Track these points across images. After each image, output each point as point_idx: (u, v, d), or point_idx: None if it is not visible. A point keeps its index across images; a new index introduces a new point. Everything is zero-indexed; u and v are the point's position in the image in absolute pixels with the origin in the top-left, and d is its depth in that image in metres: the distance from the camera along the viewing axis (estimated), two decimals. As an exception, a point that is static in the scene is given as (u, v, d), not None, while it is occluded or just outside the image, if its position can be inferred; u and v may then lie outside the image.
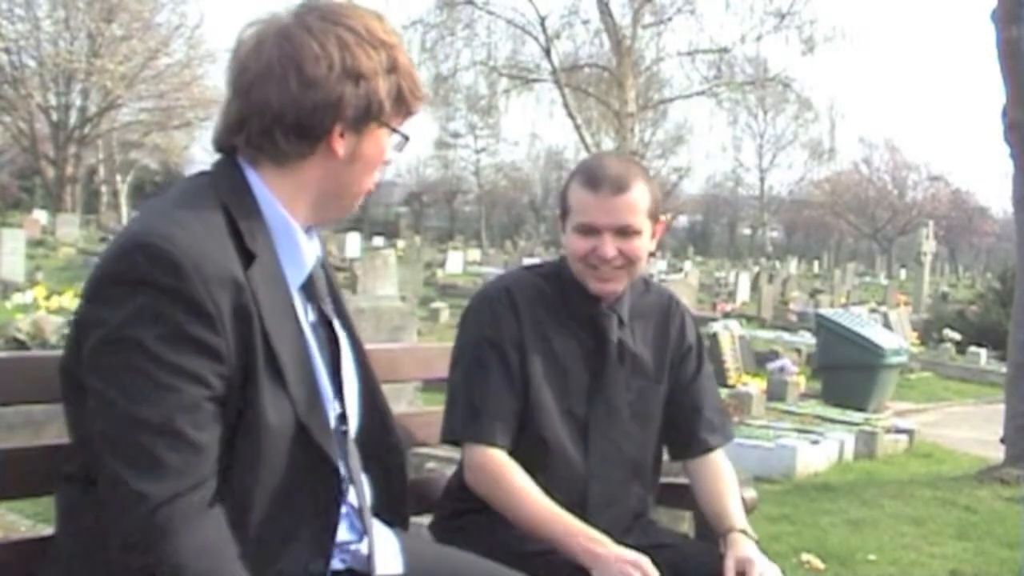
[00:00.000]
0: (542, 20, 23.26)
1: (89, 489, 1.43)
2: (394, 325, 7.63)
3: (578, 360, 2.17)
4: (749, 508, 2.28)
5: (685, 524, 2.95)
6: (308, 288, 1.61)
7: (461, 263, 31.72)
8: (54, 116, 39.28)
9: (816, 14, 28.37)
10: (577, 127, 23.33)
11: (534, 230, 57.09)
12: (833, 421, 8.82)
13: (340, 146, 1.54)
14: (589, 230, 2.10)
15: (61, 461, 1.48)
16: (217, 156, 1.60)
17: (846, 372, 10.24)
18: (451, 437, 2.14)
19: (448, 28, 24.21)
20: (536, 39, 23.66)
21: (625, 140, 22.69)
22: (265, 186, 1.54)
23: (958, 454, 8.67)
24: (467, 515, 2.13)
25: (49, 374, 1.51)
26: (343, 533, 1.62)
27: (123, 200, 41.32)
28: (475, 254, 38.28)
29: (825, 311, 13.19)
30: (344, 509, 1.61)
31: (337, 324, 1.66)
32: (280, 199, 1.55)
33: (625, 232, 2.10)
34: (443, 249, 37.89)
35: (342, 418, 1.62)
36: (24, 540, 1.74)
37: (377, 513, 1.69)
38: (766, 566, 2.00)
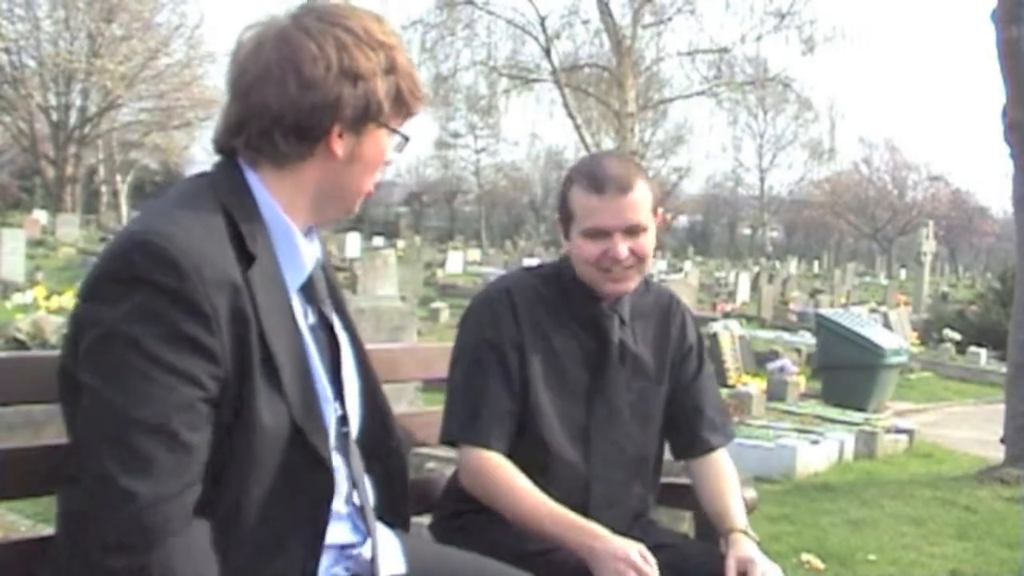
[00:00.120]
0: (542, 20, 23.29)
1: None
2: (394, 325, 7.63)
3: (579, 361, 2.17)
4: (749, 508, 2.28)
5: (685, 524, 2.95)
6: (308, 290, 1.62)
7: (461, 263, 31.72)
8: (54, 116, 39.28)
9: (816, 14, 28.48)
10: (577, 127, 23.34)
11: (534, 230, 57.09)
12: (833, 421, 8.82)
13: (339, 147, 1.55)
14: (598, 233, 2.10)
15: (62, 462, 1.48)
16: (217, 157, 1.60)
17: (846, 372, 10.24)
18: (448, 439, 2.14)
19: (448, 28, 24.22)
20: (536, 39, 23.68)
21: (625, 140, 22.70)
22: (265, 188, 1.55)
23: (958, 454, 8.67)
24: (467, 515, 2.13)
25: (49, 374, 1.51)
26: (347, 535, 1.62)
27: (123, 200, 41.33)
28: (475, 254, 38.28)
29: (825, 311, 13.19)
30: (347, 510, 1.61)
31: (338, 326, 1.66)
32: (280, 201, 1.55)
33: (634, 231, 2.10)
34: (443, 249, 37.89)
35: (343, 420, 1.62)
36: (24, 540, 1.74)
37: (378, 514, 1.68)
38: (767, 566, 2.00)
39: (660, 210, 2.21)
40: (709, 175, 68.42)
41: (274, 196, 1.55)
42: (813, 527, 5.72)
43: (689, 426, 2.26)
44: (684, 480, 2.32)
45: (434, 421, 2.19)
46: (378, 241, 39.51)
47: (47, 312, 10.90)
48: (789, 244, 69.65)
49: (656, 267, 30.77)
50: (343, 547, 1.61)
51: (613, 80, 23.68)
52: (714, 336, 11.37)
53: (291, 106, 1.50)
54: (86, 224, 33.55)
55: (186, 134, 40.20)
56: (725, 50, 24.44)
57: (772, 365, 11.23)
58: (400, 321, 7.79)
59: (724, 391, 8.38)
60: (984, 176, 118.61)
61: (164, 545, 1.35)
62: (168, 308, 1.37)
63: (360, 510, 1.63)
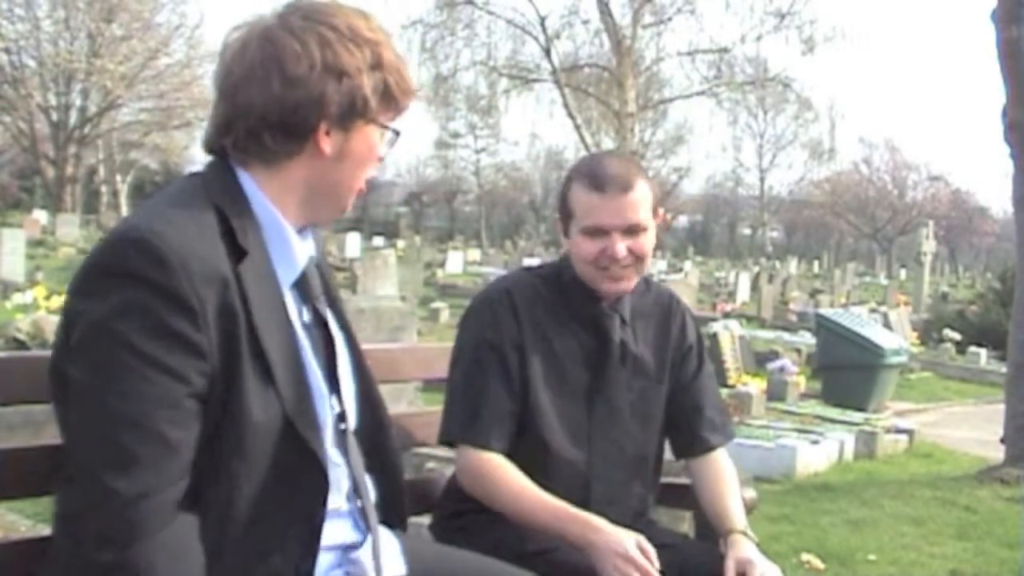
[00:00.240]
0: (542, 20, 23.31)
1: None
2: (394, 325, 7.62)
3: (579, 361, 2.17)
4: (749, 508, 2.28)
5: (685, 524, 2.95)
6: (302, 287, 1.62)
7: (461, 263, 31.72)
8: (54, 116, 39.26)
9: (816, 14, 28.51)
10: (577, 127, 23.34)
11: (534, 230, 57.09)
12: (833, 421, 8.81)
13: (327, 144, 1.55)
14: (597, 232, 2.10)
15: (61, 463, 1.47)
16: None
17: (846, 372, 10.23)
18: (447, 439, 2.14)
19: (448, 28, 24.24)
20: (536, 39, 23.69)
21: (625, 140, 22.70)
22: (256, 186, 1.55)
23: (958, 454, 8.67)
24: (467, 515, 2.13)
25: (49, 374, 1.51)
26: (348, 534, 1.61)
27: (123, 200, 41.34)
28: (475, 254, 38.28)
29: (825, 311, 13.19)
30: (348, 507, 1.61)
31: (334, 325, 1.66)
32: (271, 198, 1.56)
33: (633, 231, 2.10)
34: (443, 249, 37.89)
35: (341, 416, 1.62)
36: (24, 540, 1.74)
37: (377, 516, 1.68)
38: (766, 567, 2.00)
39: (661, 210, 2.21)
40: (709, 175, 68.55)
41: (265, 193, 1.55)
42: (813, 527, 5.72)
43: (689, 425, 2.26)
44: (684, 480, 2.32)
45: (434, 421, 2.19)
46: (378, 241, 39.52)
47: (47, 312, 10.89)
48: (789, 244, 69.66)
49: (656, 267, 30.77)
50: (345, 548, 1.61)
51: (613, 80, 23.69)
52: (714, 336, 11.36)
53: (276, 104, 1.51)
54: (86, 224, 33.52)
55: (186, 134, 40.16)
56: (725, 50, 24.45)
57: (772, 365, 11.22)
58: (400, 321, 7.78)
59: (724, 391, 8.38)
60: (984, 176, 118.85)
61: (147, 541, 1.35)
62: (155, 303, 1.38)
63: (361, 508, 1.63)
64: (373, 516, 1.64)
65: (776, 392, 9.93)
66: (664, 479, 2.34)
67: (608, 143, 25.35)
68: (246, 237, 1.50)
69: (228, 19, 1.61)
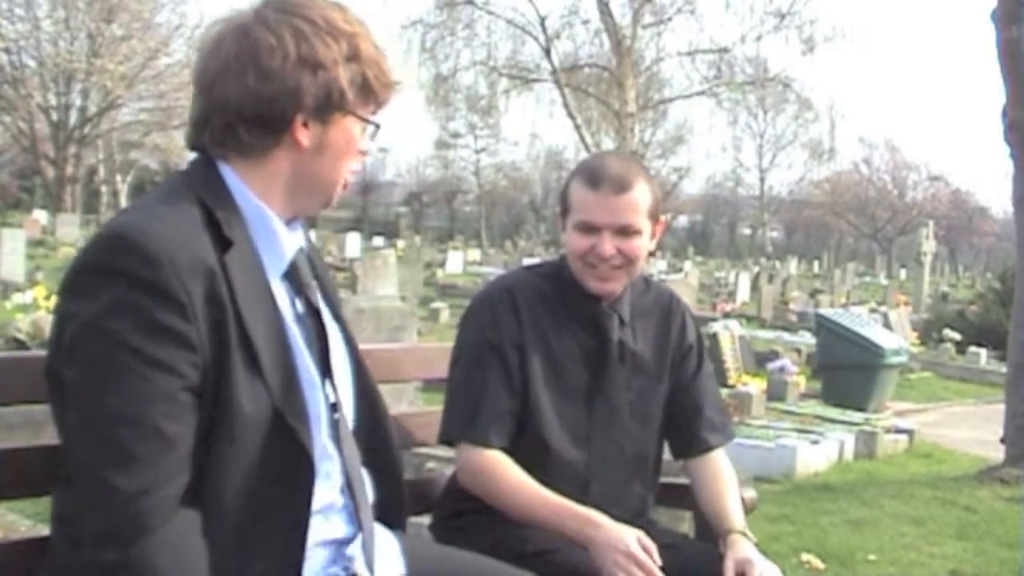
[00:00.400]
0: (542, 20, 23.33)
1: None
2: (394, 325, 7.62)
3: (578, 360, 2.17)
4: (749, 508, 2.28)
5: (685, 524, 2.95)
6: (293, 278, 1.62)
7: (461, 263, 31.71)
8: (54, 116, 39.26)
9: (816, 14, 28.52)
10: (577, 127, 23.35)
11: (534, 230, 57.08)
12: (833, 421, 8.81)
13: (304, 136, 1.55)
14: (589, 228, 2.10)
15: (57, 463, 1.48)
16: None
17: (846, 372, 10.23)
18: (447, 438, 2.14)
19: (448, 28, 24.26)
20: (536, 39, 23.72)
21: (625, 140, 22.70)
22: (239, 179, 1.56)
23: (958, 454, 8.67)
24: (467, 515, 2.13)
25: (49, 374, 1.51)
26: (341, 528, 1.61)
27: (123, 200, 41.29)
28: (475, 254, 38.29)
29: (825, 311, 13.18)
30: (343, 501, 1.61)
31: (327, 316, 1.66)
32: (255, 191, 1.56)
33: (625, 232, 2.10)
34: (443, 249, 37.89)
35: (335, 407, 1.61)
36: (24, 540, 1.73)
37: (375, 513, 1.68)
38: (766, 566, 2.00)
39: (663, 217, 2.20)
40: (709, 175, 68.57)
41: (249, 186, 1.56)
42: (813, 527, 5.72)
43: (688, 425, 2.26)
44: (683, 480, 2.31)
45: (434, 421, 2.19)
46: (378, 241, 39.53)
47: (47, 312, 10.86)
48: (789, 244, 69.65)
49: (656, 267, 30.77)
50: (340, 543, 1.61)
51: (613, 80, 23.70)
52: (714, 336, 11.35)
53: (251, 98, 1.51)
54: (86, 224, 33.51)
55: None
56: (725, 50, 24.47)
57: (772, 365, 11.21)
58: (400, 321, 7.78)
59: (724, 391, 8.38)
60: (984, 176, 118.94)
61: (149, 537, 1.35)
62: (145, 300, 1.38)
63: (355, 503, 1.63)
64: (366, 510, 1.63)
65: (776, 392, 9.92)
66: (664, 479, 2.34)
67: (608, 143, 25.36)
68: (231, 228, 1.50)
69: (220, 16, 1.62)
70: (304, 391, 1.53)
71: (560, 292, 2.19)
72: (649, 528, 2.21)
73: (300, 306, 1.61)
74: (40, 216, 33.57)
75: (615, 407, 2.18)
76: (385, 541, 1.69)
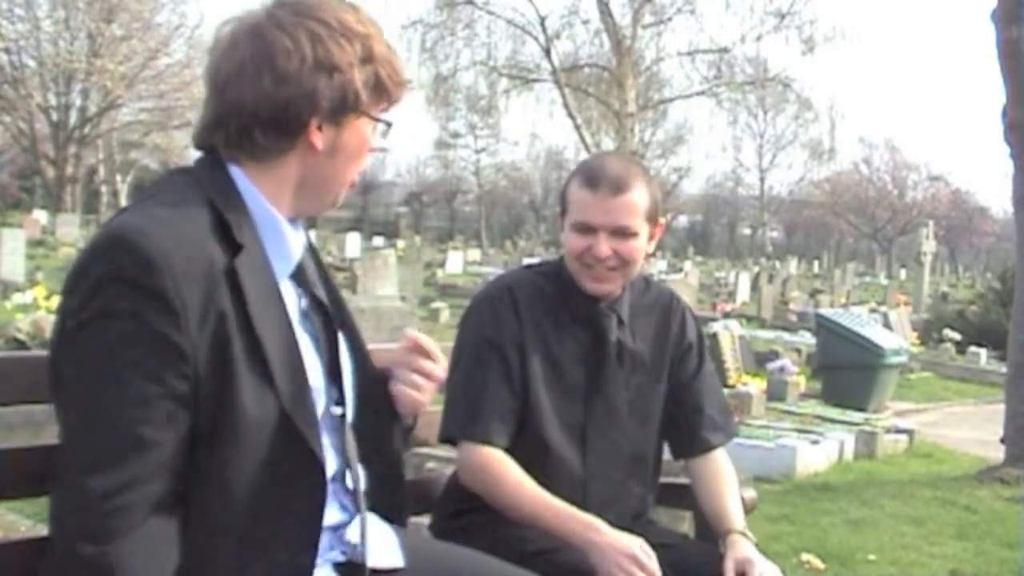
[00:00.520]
0: (542, 20, 23.32)
1: None
2: (394, 325, 7.64)
3: (577, 360, 2.17)
4: (749, 508, 2.28)
5: (685, 524, 2.95)
6: (299, 276, 1.62)
7: (461, 263, 31.71)
8: (54, 116, 39.26)
9: (816, 14, 28.51)
10: (577, 127, 23.35)
11: (534, 230, 57.07)
12: (833, 421, 8.81)
13: (319, 139, 1.55)
14: (585, 229, 2.11)
15: (54, 462, 1.48)
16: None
17: (846, 372, 10.23)
18: (449, 436, 2.14)
19: (448, 28, 24.26)
20: (536, 39, 23.71)
21: (625, 140, 22.70)
22: (249, 181, 1.55)
23: (958, 454, 8.67)
24: (467, 515, 2.13)
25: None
26: (335, 514, 1.61)
27: (123, 200, 41.25)
28: (475, 254, 38.28)
29: (825, 311, 13.19)
30: (331, 488, 1.60)
31: (331, 310, 1.66)
32: (264, 193, 1.55)
33: (621, 233, 2.10)
34: (443, 249, 37.88)
35: (339, 402, 1.62)
36: (24, 540, 1.73)
37: (375, 508, 1.68)
38: (766, 566, 2.01)
39: (662, 220, 2.20)
40: (709, 175, 68.56)
41: (258, 188, 1.55)
42: (813, 527, 5.72)
43: (689, 425, 2.26)
44: (683, 480, 2.31)
45: (434, 421, 2.18)
46: (378, 241, 39.54)
47: (47, 312, 10.87)
48: (789, 244, 69.65)
49: (656, 267, 30.78)
50: (335, 528, 1.61)
51: (613, 80, 23.69)
52: (714, 336, 11.35)
53: (267, 101, 1.51)
54: (86, 224, 33.51)
55: (186, 134, 39.70)
56: (725, 50, 24.46)
57: (772, 365, 11.21)
58: (400, 321, 7.80)
59: (724, 391, 8.36)
60: (984, 176, 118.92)
61: (122, 538, 1.36)
62: (137, 304, 1.38)
63: (348, 490, 1.63)
64: (362, 500, 1.64)
65: (776, 392, 9.92)
66: (663, 479, 2.34)
67: (608, 143, 25.35)
68: (241, 231, 1.49)
69: (228, 13, 1.61)
70: (312, 393, 1.54)
71: (560, 292, 2.19)
72: (649, 528, 2.22)
73: (305, 301, 1.61)
74: (40, 216, 33.56)
75: (613, 407, 2.18)
76: (384, 534, 1.70)
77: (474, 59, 24.63)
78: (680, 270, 32.93)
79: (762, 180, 64.88)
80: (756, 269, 35.78)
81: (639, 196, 2.11)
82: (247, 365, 1.45)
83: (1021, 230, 7.65)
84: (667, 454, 2.32)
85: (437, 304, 18.02)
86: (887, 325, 14.65)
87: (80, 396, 1.40)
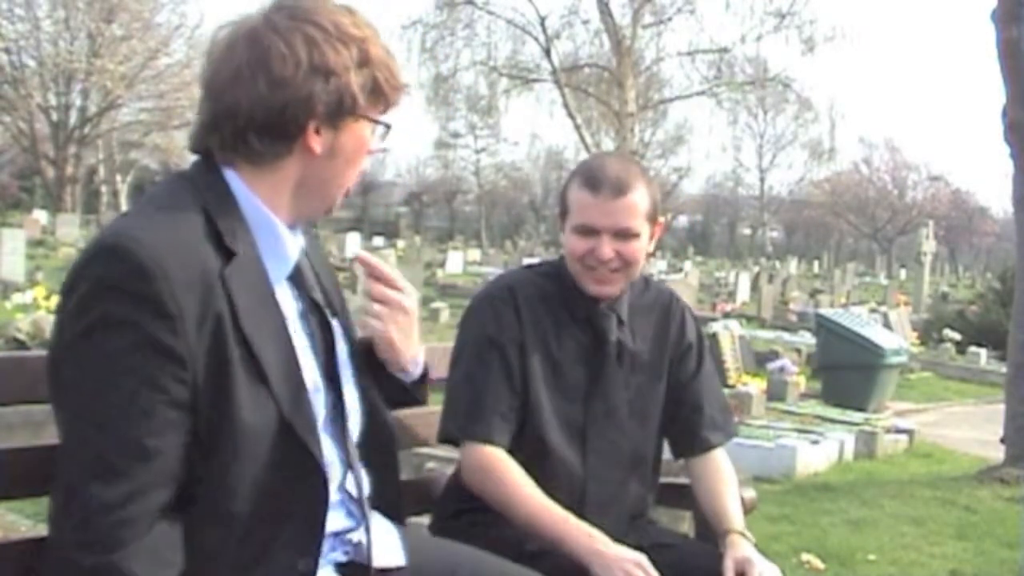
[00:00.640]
0: (542, 20, 23.32)
1: None
2: (394, 325, 7.61)
3: (577, 360, 2.17)
4: (749, 508, 2.28)
5: (685, 524, 2.95)
6: (296, 278, 1.62)
7: (461, 263, 31.71)
8: (54, 116, 39.24)
9: (816, 14, 28.35)
10: (577, 127, 23.35)
11: (534, 230, 57.08)
12: (833, 421, 8.81)
13: (317, 143, 1.55)
14: (588, 231, 2.10)
15: (54, 462, 1.48)
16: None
17: (846, 372, 10.23)
18: (450, 436, 2.14)
19: (448, 28, 24.26)
20: (536, 39, 23.71)
21: (625, 140, 22.70)
22: (244, 185, 1.55)
23: (958, 454, 8.67)
24: (467, 515, 2.13)
25: (49, 374, 1.51)
26: (342, 521, 1.61)
27: (123, 200, 41.28)
28: (475, 254, 38.28)
29: (825, 311, 13.18)
30: (338, 497, 1.61)
31: (328, 311, 1.66)
32: (261, 197, 1.55)
33: (624, 235, 2.10)
34: (443, 249, 37.89)
35: (337, 405, 1.62)
36: (24, 540, 1.73)
37: (375, 506, 1.68)
38: (765, 566, 2.01)
39: (662, 219, 2.20)
40: (709, 175, 68.57)
41: (255, 193, 1.55)
42: (813, 527, 5.72)
43: (689, 424, 2.26)
44: (683, 480, 2.31)
45: (434, 421, 2.18)
46: (378, 241, 39.56)
47: (47, 312, 10.86)
48: (789, 244, 69.64)
49: (656, 267, 30.77)
50: (339, 534, 1.61)
51: (613, 80, 23.69)
52: (714, 336, 11.34)
53: (262, 106, 1.50)
54: (86, 224, 33.50)
55: (186, 134, 39.15)
56: (725, 50, 24.46)
57: (772, 365, 11.21)
58: (400, 321, 7.77)
59: (724, 391, 8.36)
60: (984, 176, 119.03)
61: (125, 548, 1.36)
62: (134, 312, 1.38)
63: (354, 497, 1.63)
64: (367, 504, 1.64)
65: (776, 392, 9.92)
66: (663, 479, 2.34)
67: (608, 143, 25.37)
68: (234, 238, 1.49)
69: (226, 16, 1.61)
70: (312, 399, 1.54)
71: (560, 292, 2.19)
72: (649, 528, 2.22)
73: (301, 303, 1.61)
74: (40, 216, 33.55)
75: (613, 407, 2.18)
76: (385, 531, 1.70)
77: (474, 59, 24.66)
78: (680, 270, 32.93)
79: (762, 180, 64.91)
80: (756, 269, 35.77)
81: (640, 197, 2.10)
82: (244, 371, 1.45)
83: (1021, 230, 7.65)
84: (667, 454, 2.32)
85: (437, 304, 18.01)
86: (887, 325, 14.65)
87: (81, 404, 1.39)
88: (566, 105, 23.28)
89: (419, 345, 1.80)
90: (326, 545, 1.58)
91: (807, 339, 15.09)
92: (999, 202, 61.14)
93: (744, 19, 23.75)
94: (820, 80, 63.97)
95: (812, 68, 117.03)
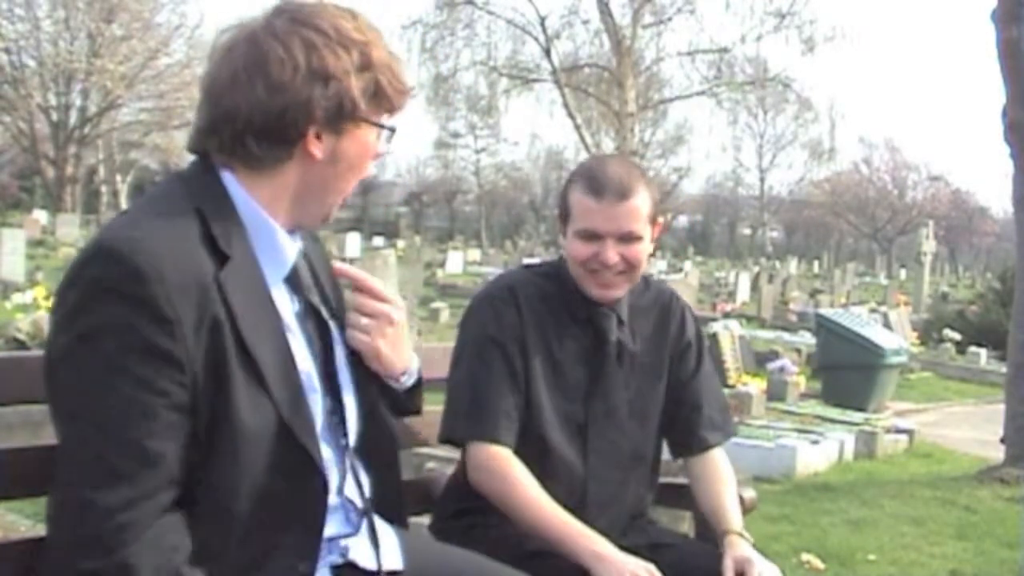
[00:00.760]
0: (542, 20, 23.32)
1: None
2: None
3: (577, 360, 2.17)
4: (748, 508, 2.28)
5: (685, 524, 2.95)
6: (292, 280, 1.61)
7: (461, 263, 31.71)
8: (54, 116, 39.26)
9: (816, 14, 28.36)
10: (577, 127, 23.35)
11: (534, 230, 57.07)
12: (833, 421, 8.81)
13: (317, 148, 1.54)
14: (591, 236, 2.10)
15: (53, 463, 1.48)
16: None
17: (846, 372, 10.23)
18: (453, 436, 2.13)
19: (448, 28, 24.25)
20: (536, 39, 23.71)
21: (625, 140, 22.70)
22: (242, 188, 1.54)
23: (958, 454, 8.67)
24: (468, 515, 2.12)
25: (49, 374, 1.51)
26: (339, 527, 1.61)
27: (123, 200, 41.28)
28: (475, 254, 38.28)
29: (825, 311, 13.18)
30: (337, 501, 1.60)
31: (325, 313, 1.65)
32: (260, 201, 1.54)
33: (628, 239, 2.09)
34: (443, 249, 37.88)
35: (335, 410, 1.61)
36: (24, 540, 1.73)
37: (375, 509, 1.68)
38: (765, 566, 2.00)
39: (660, 220, 2.20)
40: (709, 175, 68.59)
41: (252, 194, 1.54)
42: (813, 527, 5.72)
43: (687, 423, 2.26)
44: (683, 480, 2.31)
45: (434, 421, 2.18)
46: (378, 241, 39.54)
47: (47, 312, 10.84)
48: (789, 244, 69.64)
49: (656, 267, 30.76)
50: (333, 539, 1.61)
51: (613, 80, 23.69)
52: (714, 336, 11.34)
53: (260, 110, 1.50)
54: (86, 224, 33.50)
55: (186, 134, 38.78)
56: (725, 50, 24.46)
57: (772, 365, 11.21)
58: (400, 321, 7.76)
59: (724, 391, 8.36)
60: (984, 176, 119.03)
61: (124, 551, 1.35)
62: (133, 318, 1.37)
63: (352, 501, 1.63)
64: (368, 509, 1.64)
65: (776, 392, 9.92)
66: (663, 479, 2.34)
67: (608, 143, 25.37)
68: (229, 242, 1.48)
69: (228, 19, 1.61)
70: (309, 401, 1.54)
71: (560, 292, 2.19)
72: (649, 528, 2.22)
73: (298, 304, 1.61)
74: (40, 216, 33.57)
75: (613, 407, 2.18)
76: (385, 534, 1.70)
77: (474, 59, 24.65)
78: (680, 270, 32.92)
79: (762, 180, 64.92)
80: (756, 269, 35.76)
81: (642, 200, 2.10)
82: (242, 373, 1.45)
83: (1021, 230, 7.65)
84: (667, 454, 2.32)
85: (437, 304, 18.04)
86: (887, 325, 14.64)
87: (79, 406, 1.39)
88: (566, 105, 23.29)
89: (411, 355, 1.77)
90: (324, 548, 1.58)
91: (807, 339, 15.09)
92: (999, 202, 61.24)
93: (744, 19, 23.78)
94: (820, 80, 64.08)
95: (812, 68, 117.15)
